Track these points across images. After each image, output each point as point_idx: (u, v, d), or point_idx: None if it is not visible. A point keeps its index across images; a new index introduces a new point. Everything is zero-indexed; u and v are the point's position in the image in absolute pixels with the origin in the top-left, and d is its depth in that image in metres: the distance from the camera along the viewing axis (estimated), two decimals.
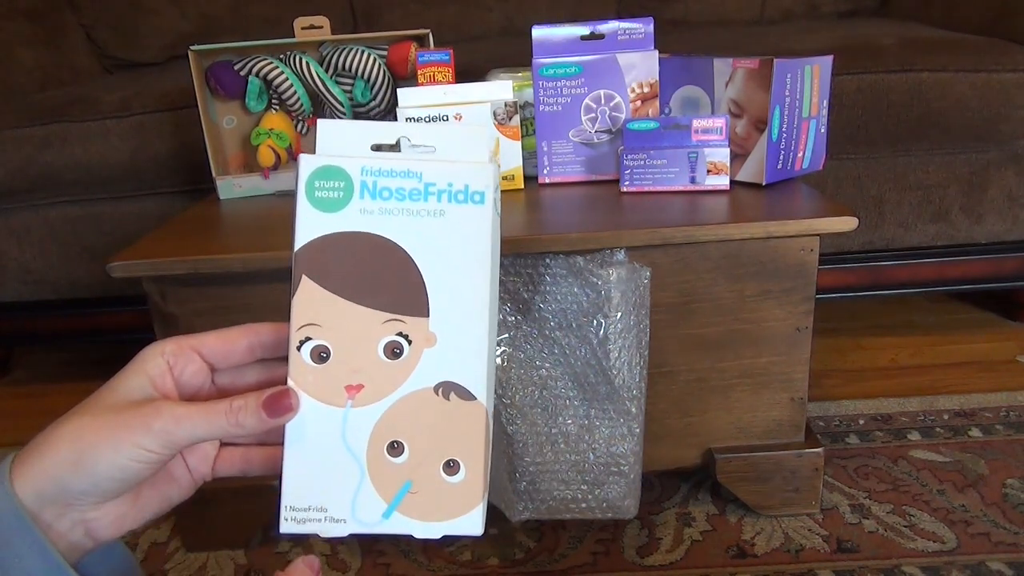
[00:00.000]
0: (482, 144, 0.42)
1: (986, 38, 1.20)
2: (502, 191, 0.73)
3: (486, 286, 0.40)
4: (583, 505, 0.84)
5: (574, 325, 0.78)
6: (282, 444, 0.39)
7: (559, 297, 0.78)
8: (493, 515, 0.83)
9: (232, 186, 1.03)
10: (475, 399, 0.40)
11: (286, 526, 0.39)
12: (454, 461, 0.40)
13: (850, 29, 1.37)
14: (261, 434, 0.39)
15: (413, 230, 0.40)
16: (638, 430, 0.81)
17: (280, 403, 0.38)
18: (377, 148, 0.42)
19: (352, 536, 0.40)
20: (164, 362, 0.40)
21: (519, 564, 0.87)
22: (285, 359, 0.40)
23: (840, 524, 0.89)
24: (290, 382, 0.39)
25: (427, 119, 0.87)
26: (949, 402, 1.12)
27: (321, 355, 0.39)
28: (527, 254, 0.77)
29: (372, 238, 0.40)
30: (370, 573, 0.88)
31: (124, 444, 0.36)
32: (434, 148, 0.42)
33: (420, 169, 0.40)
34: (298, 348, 0.39)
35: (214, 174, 1.02)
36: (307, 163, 0.40)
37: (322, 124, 0.41)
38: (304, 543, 0.93)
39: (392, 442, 0.40)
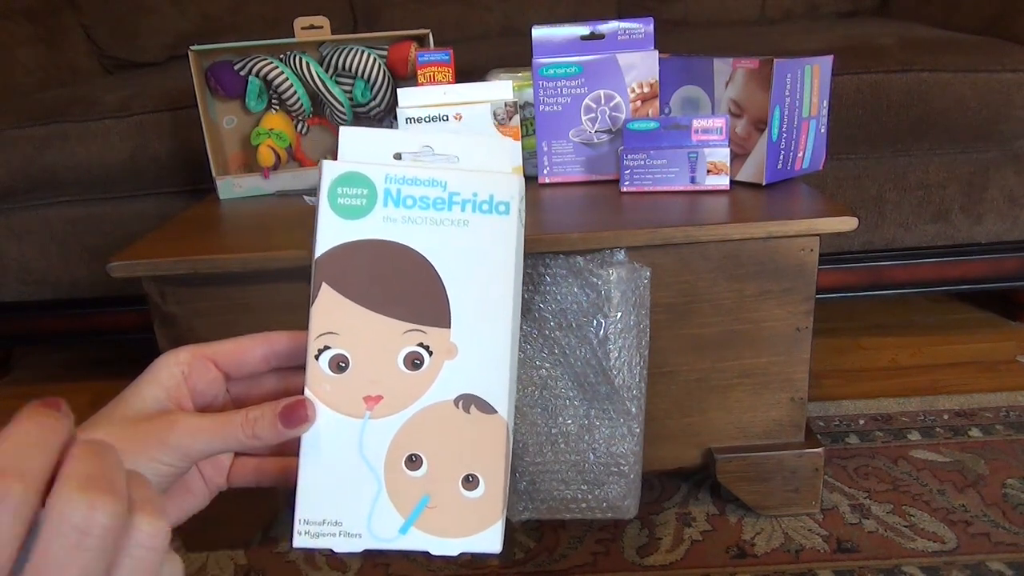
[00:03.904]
0: (507, 156, 0.41)
1: (986, 38, 1.21)
2: None
3: (509, 298, 0.39)
4: (583, 505, 0.84)
5: (574, 325, 0.78)
6: (297, 455, 0.38)
7: (559, 297, 0.78)
8: None
9: (232, 186, 1.03)
10: (496, 413, 0.39)
11: (299, 540, 0.38)
12: (473, 476, 0.39)
13: (850, 29, 1.37)
14: (276, 445, 0.38)
15: (436, 239, 0.39)
16: (638, 430, 0.81)
17: (296, 413, 0.37)
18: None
19: (367, 552, 0.39)
20: (179, 372, 0.38)
21: (519, 564, 0.87)
22: (301, 368, 0.39)
23: (840, 524, 0.89)
24: (307, 392, 0.38)
25: (427, 119, 0.87)
26: (949, 402, 1.12)
27: (340, 365, 0.38)
28: (527, 254, 0.77)
29: (395, 247, 0.39)
30: (370, 573, 0.88)
31: (139, 459, 0.35)
32: (457, 158, 0.41)
33: (445, 178, 0.39)
34: (316, 357, 0.38)
35: (214, 174, 1.02)
36: (330, 169, 0.39)
37: (344, 131, 0.40)
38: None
39: (410, 455, 0.39)
